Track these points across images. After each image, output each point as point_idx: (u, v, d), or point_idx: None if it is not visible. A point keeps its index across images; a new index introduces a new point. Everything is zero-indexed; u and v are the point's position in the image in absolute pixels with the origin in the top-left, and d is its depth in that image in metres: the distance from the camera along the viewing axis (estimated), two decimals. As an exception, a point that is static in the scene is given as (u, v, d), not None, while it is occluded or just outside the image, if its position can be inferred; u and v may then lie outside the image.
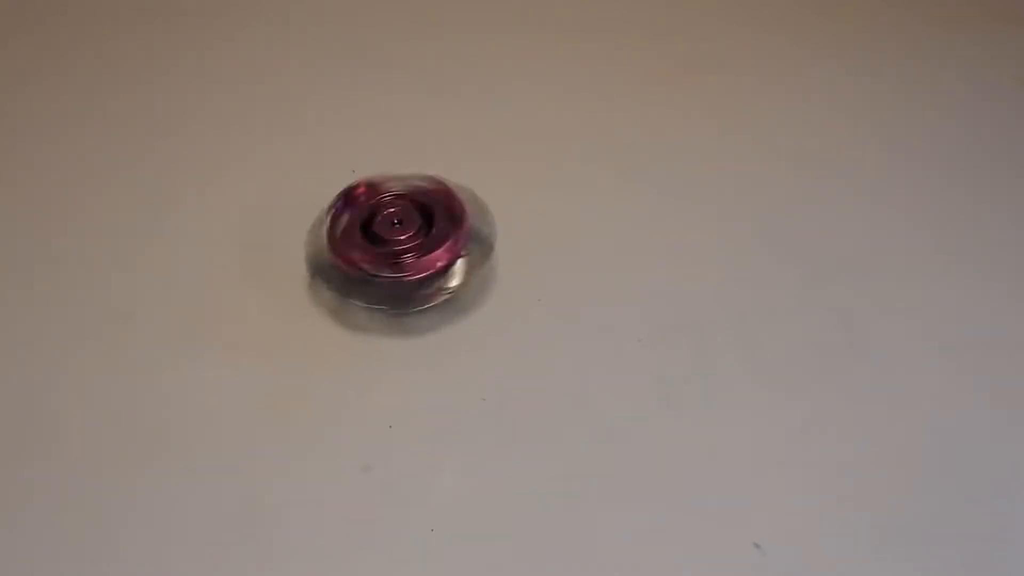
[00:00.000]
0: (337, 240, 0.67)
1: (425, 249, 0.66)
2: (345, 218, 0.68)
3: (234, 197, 0.78)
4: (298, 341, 0.68)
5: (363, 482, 0.60)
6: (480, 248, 0.69)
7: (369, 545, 0.57)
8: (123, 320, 0.69)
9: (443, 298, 0.67)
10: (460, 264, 0.68)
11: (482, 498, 0.60)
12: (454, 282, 0.67)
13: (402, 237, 0.67)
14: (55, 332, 0.68)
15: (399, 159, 0.82)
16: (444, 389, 0.65)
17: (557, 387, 0.65)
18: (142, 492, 0.59)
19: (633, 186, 0.80)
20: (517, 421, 0.64)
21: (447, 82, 0.90)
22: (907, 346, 0.69)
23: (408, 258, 0.66)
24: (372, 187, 0.70)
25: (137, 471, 0.60)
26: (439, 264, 0.66)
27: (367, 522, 0.58)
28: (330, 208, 0.69)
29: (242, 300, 0.70)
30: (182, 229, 0.76)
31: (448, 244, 0.67)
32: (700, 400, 0.65)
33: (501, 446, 0.62)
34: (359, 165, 0.80)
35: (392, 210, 0.68)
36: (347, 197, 0.69)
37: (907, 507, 0.60)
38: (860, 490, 0.61)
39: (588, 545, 0.57)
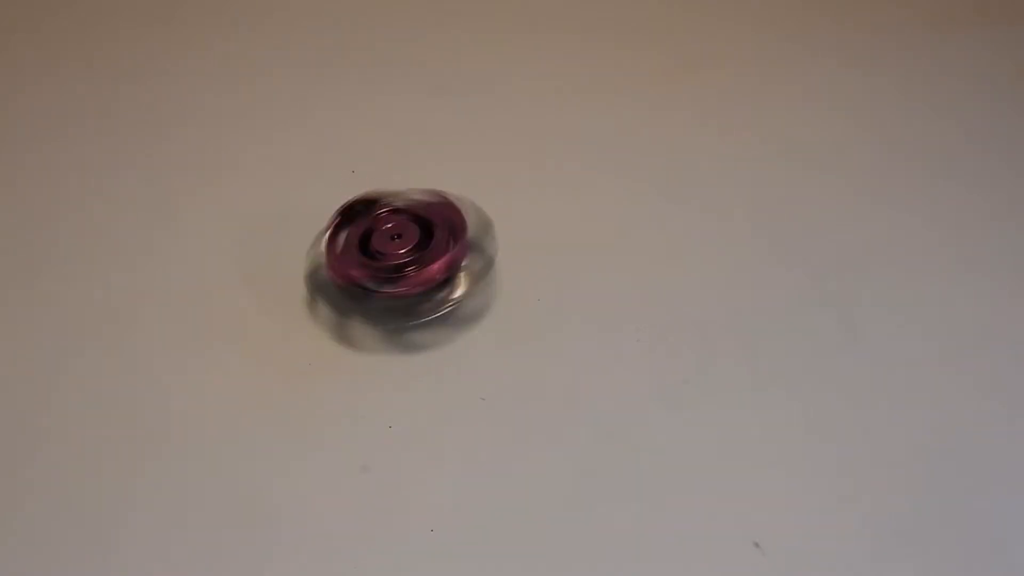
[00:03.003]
0: (336, 257, 0.67)
1: (424, 262, 0.66)
2: (343, 234, 0.68)
3: (234, 200, 0.78)
4: (298, 345, 0.68)
5: (362, 482, 0.60)
6: (481, 259, 0.69)
7: (369, 545, 0.57)
8: (126, 321, 0.69)
9: (446, 310, 0.67)
10: (461, 275, 0.68)
11: (482, 498, 0.60)
12: (456, 294, 0.67)
13: (400, 251, 0.67)
14: (58, 333, 0.68)
15: (400, 160, 0.82)
16: (443, 389, 0.65)
17: (556, 387, 0.65)
18: (142, 492, 0.59)
19: (633, 186, 0.80)
20: (516, 421, 0.64)
21: (447, 83, 0.90)
22: (907, 345, 0.69)
23: (408, 272, 0.66)
24: (370, 202, 0.69)
25: (138, 471, 0.60)
26: (438, 277, 0.66)
27: (367, 522, 0.58)
28: (328, 227, 0.68)
29: (244, 304, 0.70)
30: (185, 231, 0.76)
31: (447, 256, 0.66)
32: (700, 399, 0.65)
33: (500, 446, 0.62)
34: (359, 166, 0.81)
35: (390, 225, 0.68)
36: (344, 214, 0.69)
37: (907, 506, 0.60)
38: (860, 489, 0.61)
39: (588, 544, 0.57)
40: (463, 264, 0.68)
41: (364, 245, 0.68)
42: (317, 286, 0.69)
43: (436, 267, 0.66)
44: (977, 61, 0.93)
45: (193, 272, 0.72)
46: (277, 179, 0.80)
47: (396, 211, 0.69)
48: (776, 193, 0.80)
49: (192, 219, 0.77)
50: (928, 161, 0.83)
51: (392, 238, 0.68)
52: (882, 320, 0.70)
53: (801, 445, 0.63)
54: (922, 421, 0.64)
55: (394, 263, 0.66)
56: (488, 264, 0.69)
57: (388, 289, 0.66)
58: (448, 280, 0.67)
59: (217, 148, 0.83)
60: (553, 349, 0.68)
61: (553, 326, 0.69)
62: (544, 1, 1.01)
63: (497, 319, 0.69)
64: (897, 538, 0.58)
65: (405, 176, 0.78)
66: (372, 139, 0.84)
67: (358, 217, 0.69)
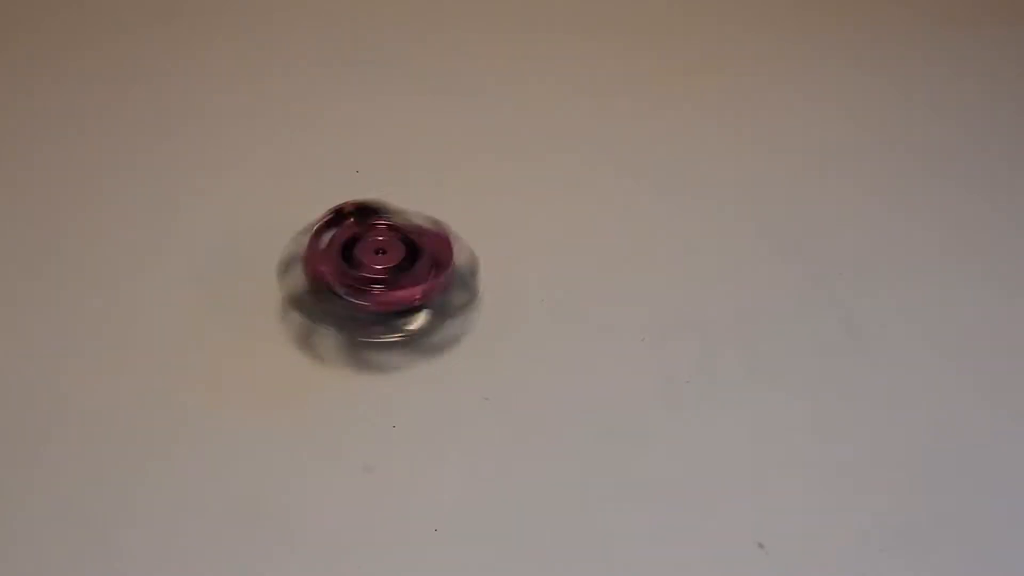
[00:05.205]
0: (315, 252, 0.66)
1: (397, 285, 0.65)
2: (330, 234, 0.67)
3: (235, 201, 0.78)
4: (299, 346, 0.68)
5: (365, 483, 0.60)
6: (464, 288, 0.68)
7: (372, 546, 0.57)
8: (127, 322, 0.69)
9: (404, 335, 0.66)
10: (434, 308, 0.67)
11: (485, 498, 0.60)
12: (417, 324, 0.66)
13: (378, 266, 0.65)
14: (57, 335, 0.68)
15: (402, 161, 0.82)
16: (446, 389, 0.65)
17: (560, 387, 0.66)
18: (144, 492, 0.59)
19: (635, 186, 0.81)
20: (520, 420, 0.64)
21: (447, 83, 0.90)
22: (907, 346, 0.69)
23: (375, 288, 0.65)
24: (368, 210, 0.68)
25: (140, 471, 0.60)
26: (406, 302, 0.65)
27: (370, 523, 0.58)
28: (316, 222, 0.67)
29: (244, 306, 0.70)
30: (186, 231, 0.76)
31: (422, 287, 0.65)
32: (703, 400, 0.65)
33: (504, 445, 0.62)
34: (361, 167, 0.81)
35: (379, 238, 0.67)
36: (337, 213, 0.68)
37: (907, 506, 0.60)
38: (861, 489, 0.61)
39: (591, 544, 0.57)
40: (441, 295, 0.66)
41: (348, 250, 0.66)
42: (296, 291, 0.68)
43: (402, 293, 0.65)
44: (978, 61, 0.93)
45: (193, 272, 0.72)
46: (279, 180, 0.80)
47: (390, 227, 0.68)
48: (778, 193, 0.80)
49: (193, 220, 0.76)
50: (929, 161, 0.84)
51: (376, 252, 0.66)
52: (884, 320, 0.71)
53: (804, 445, 0.63)
54: (924, 421, 0.65)
55: (367, 276, 0.65)
56: (471, 294, 0.68)
57: (351, 299, 0.65)
58: (416, 310, 0.66)
59: (218, 149, 0.83)
60: (556, 349, 0.68)
61: (557, 326, 0.69)
62: (546, 2, 1.01)
63: (500, 320, 0.69)
64: (900, 538, 0.58)
65: (406, 177, 0.78)
66: (374, 141, 0.84)
67: (351, 221, 0.68)
